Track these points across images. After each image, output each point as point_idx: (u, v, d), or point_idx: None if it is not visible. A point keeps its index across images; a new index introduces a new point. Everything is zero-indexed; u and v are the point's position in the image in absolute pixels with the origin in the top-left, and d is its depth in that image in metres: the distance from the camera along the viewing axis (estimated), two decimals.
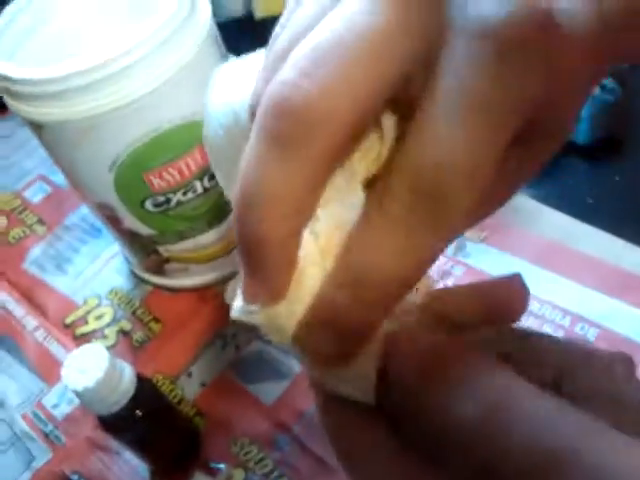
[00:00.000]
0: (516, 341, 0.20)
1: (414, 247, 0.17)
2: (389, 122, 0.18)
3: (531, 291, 0.57)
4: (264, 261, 0.18)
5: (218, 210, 0.56)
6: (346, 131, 0.17)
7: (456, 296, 0.22)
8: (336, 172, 0.18)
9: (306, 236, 0.18)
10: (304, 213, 0.18)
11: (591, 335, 0.51)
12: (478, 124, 0.16)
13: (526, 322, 0.53)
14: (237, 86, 0.21)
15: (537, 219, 0.59)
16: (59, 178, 0.76)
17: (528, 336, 0.20)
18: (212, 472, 0.50)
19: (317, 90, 0.16)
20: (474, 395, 0.17)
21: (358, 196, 0.18)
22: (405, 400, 0.18)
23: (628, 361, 0.20)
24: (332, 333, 0.18)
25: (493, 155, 0.17)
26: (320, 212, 0.18)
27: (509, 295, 0.22)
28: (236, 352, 0.57)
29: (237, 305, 0.20)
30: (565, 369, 0.19)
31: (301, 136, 0.17)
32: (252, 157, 0.18)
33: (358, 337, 0.19)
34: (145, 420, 0.47)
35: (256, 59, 0.21)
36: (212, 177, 0.54)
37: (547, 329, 0.52)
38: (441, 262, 0.58)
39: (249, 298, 0.19)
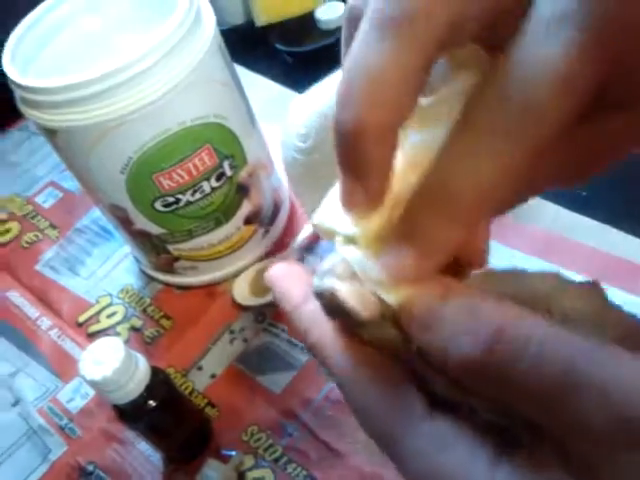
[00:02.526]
0: (503, 280, 0.21)
1: (503, 158, 0.17)
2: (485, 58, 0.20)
3: None
4: (362, 156, 0.18)
5: (226, 209, 0.59)
6: (445, 28, 0.18)
7: None
8: (442, 87, 0.20)
9: (400, 147, 0.19)
10: (404, 104, 0.19)
11: None
12: (574, 38, 0.17)
13: None
14: (317, 99, 0.23)
15: (533, 213, 0.62)
16: (70, 184, 0.78)
17: (511, 273, 0.21)
18: (224, 458, 0.52)
19: None
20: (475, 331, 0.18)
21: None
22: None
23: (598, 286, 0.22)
24: (415, 249, 0.19)
25: (589, 66, 0.17)
26: (419, 126, 0.19)
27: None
28: (244, 345, 0.60)
29: (322, 215, 0.21)
30: (551, 296, 0.20)
31: (406, 21, 0.18)
32: (358, 42, 0.18)
33: (441, 253, 0.19)
34: (159, 409, 0.49)
35: (323, 86, 0.23)
36: (219, 177, 0.56)
37: None
38: None
39: (345, 202, 0.20)
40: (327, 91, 0.23)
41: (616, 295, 0.54)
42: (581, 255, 0.57)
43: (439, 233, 0.19)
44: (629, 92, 0.19)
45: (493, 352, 0.17)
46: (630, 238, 0.58)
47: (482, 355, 0.17)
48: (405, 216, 0.19)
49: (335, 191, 0.22)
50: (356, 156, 0.19)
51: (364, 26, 0.19)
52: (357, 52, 0.18)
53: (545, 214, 0.61)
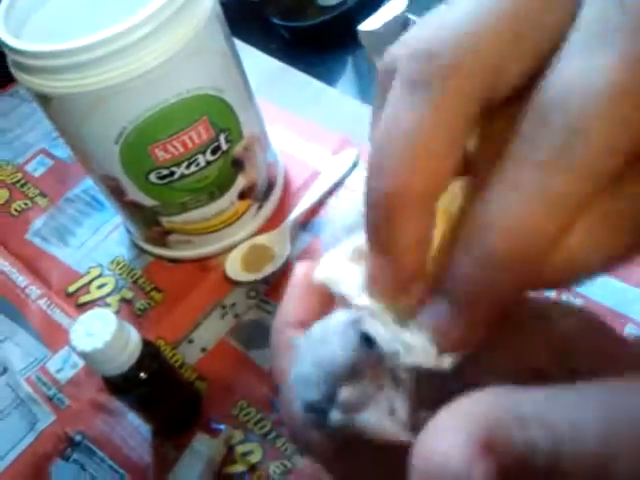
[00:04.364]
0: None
1: (557, 193, 0.15)
2: None
3: None
4: (398, 232, 0.16)
5: (220, 183, 0.58)
6: (483, 85, 0.16)
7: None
8: None
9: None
10: (446, 168, 0.16)
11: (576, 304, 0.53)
12: (624, 52, 0.14)
13: None
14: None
15: None
16: (61, 152, 0.77)
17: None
18: (213, 432, 0.53)
19: (453, 40, 0.16)
20: None
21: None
22: None
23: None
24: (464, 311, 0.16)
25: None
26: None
27: None
28: (235, 320, 0.59)
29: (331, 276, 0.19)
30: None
31: (439, 77, 0.16)
32: (391, 103, 0.17)
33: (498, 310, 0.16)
34: (149, 382, 0.49)
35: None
36: (214, 151, 0.56)
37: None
38: None
39: (371, 281, 0.18)
40: None
41: (603, 280, 0.54)
42: None
43: (499, 289, 0.16)
44: None
45: None
46: None
47: None
48: (444, 273, 0.17)
49: (347, 248, 0.20)
50: (390, 231, 0.16)
51: (395, 85, 0.17)
52: (390, 113, 0.16)
53: None
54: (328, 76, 0.92)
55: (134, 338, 0.48)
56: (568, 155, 0.14)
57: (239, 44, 0.79)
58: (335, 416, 0.16)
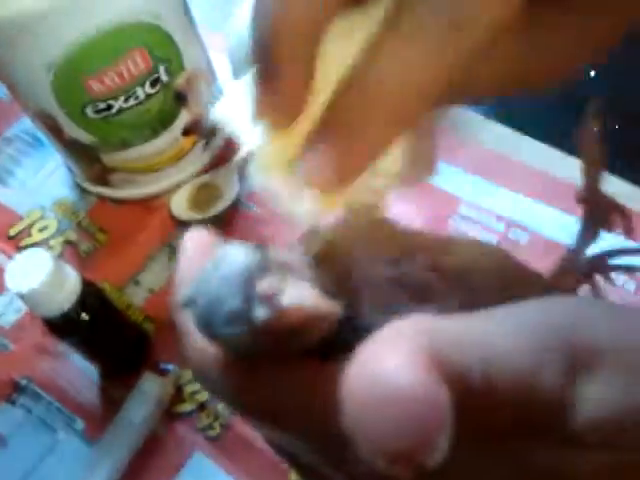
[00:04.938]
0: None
1: (437, 55, 0.16)
2: None
3: (470, 199, 0.58)
4: (281, 56, 0.17)
5: (163, 117, 0.56)
6: None
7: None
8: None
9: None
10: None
11: (522, 239, 0.54)
12: None
13: (464, 228, 0.55)
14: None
15: (477, 131, 0.61)
16: None
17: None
18: (162, 372, 0.52)
19: None
20: None
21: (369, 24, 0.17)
22: None
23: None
24: (349, 148, 0.17)
25: None
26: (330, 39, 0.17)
27: None
28: None
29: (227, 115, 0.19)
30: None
31: None
32: None
33: (378, 152, 0.18)
34: (92, 323, 0.48)
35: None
36: (154, 83, 0.53)
37: (483, 234, 0.54)
38: None
39: (259, 111, 0.18)
40: None
41: (550, 213, 0.54)
42: (521, 175, 0.57)
43: (376, 130, 0.17)
44: None
45: None
46: (570, 159, 0.57)
47: None
48: (330, 118, 0.18)
49: (240, 87, 0.19)
50: (274, 51, 0.17)
51: None
52: None
53: (488, 133, 0.60)
54: None
55: (72, 277, 0.46)
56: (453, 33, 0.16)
57: None
58: (261, 312, 0.15)
